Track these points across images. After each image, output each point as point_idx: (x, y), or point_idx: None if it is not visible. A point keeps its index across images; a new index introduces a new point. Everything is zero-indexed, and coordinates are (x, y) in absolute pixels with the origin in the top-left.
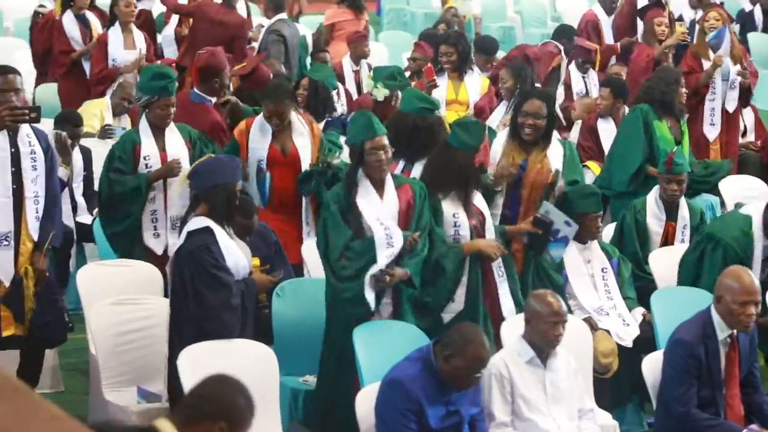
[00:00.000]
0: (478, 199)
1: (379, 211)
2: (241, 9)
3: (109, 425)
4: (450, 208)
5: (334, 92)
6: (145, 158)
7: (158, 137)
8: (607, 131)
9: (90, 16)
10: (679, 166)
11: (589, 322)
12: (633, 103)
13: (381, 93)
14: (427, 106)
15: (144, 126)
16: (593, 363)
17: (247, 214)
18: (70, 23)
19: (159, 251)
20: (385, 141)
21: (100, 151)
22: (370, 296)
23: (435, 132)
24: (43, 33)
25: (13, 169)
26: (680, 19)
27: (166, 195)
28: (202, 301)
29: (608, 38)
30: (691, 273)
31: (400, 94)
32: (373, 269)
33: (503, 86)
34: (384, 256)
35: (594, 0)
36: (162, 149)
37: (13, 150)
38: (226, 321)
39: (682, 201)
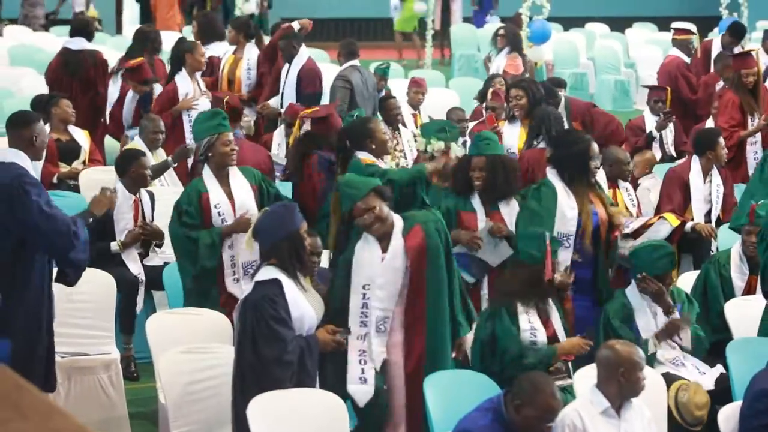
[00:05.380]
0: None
1: (375, 270)
2: None
3: None
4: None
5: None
6: (216, 206)
7: (223, 183)
8: (698, 186)
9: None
10: (762, 218)
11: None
12: None
13: (436, 147)
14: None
15: (208, 174)
16: (686, 416)
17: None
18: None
19: (240, 295)
20: (362, 204)
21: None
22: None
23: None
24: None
25: None
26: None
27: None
28: (257, 352)
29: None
30: None
31: (453, 146)
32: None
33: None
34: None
35: (661, 45)
36: (229, 196)
37: None
38: (276, 375)
39: None
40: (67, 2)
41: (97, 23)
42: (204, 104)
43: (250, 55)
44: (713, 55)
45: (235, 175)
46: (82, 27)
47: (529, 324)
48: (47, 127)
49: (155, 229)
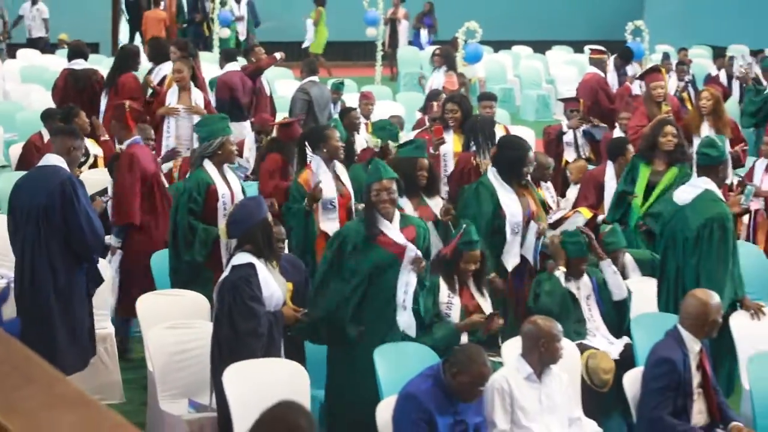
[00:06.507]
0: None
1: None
2: None
3: None
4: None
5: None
6: (222, 196)
7: (222, 177)
8: (612, 186)
9: None
10: (609, 245)
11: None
12: None
13: (373, 142)
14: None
15: (212, 169)
16: (594, 378)
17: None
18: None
19: None
20: (389, 184)
21: None
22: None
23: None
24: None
25: None
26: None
27: None
28: (234, 327)
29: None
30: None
31: (390, 144)
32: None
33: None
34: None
35: (576, 65)
36: (229, 189)
37: None
38: (251, 346)
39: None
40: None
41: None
42: (184, 114)
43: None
44: (608, 72)
45: (228, 171)
46: (79, 50)
47: (448, 298)
48: None
49: None
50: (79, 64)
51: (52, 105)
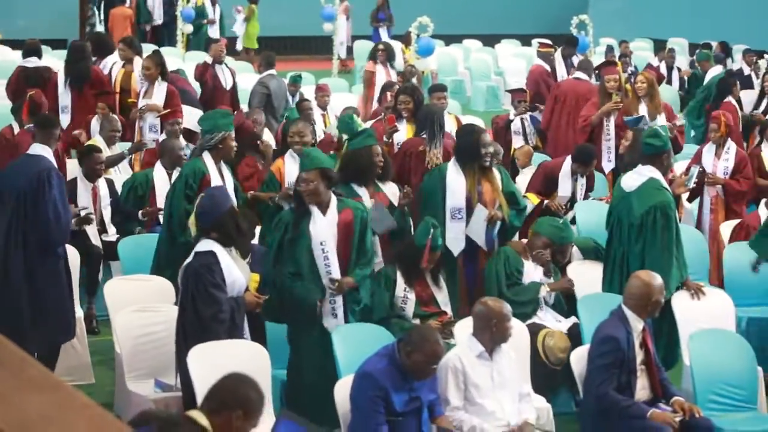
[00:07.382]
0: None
1: (320, 228)
2: None
3: (149, 413)
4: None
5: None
6: None
7: (219, 171)
8: (566, 185)
9: None
10: (561, 238)
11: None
12: None
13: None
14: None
15: (209, 161)
16: (551, 357)
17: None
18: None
19: None
20: (306, 176)
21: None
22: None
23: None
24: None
25: None
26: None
27: None
28: (197, 312)
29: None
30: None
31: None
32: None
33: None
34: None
35: (524, 57)
36: (223, 182)
37: None
38: (214, 330)
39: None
40: None
41: None
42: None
43: (139, 68)
44: (557, 63)
45: (224, 168)
46: (33, 48)
47: (404, 293)
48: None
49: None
50: (31, 62)
51: None
